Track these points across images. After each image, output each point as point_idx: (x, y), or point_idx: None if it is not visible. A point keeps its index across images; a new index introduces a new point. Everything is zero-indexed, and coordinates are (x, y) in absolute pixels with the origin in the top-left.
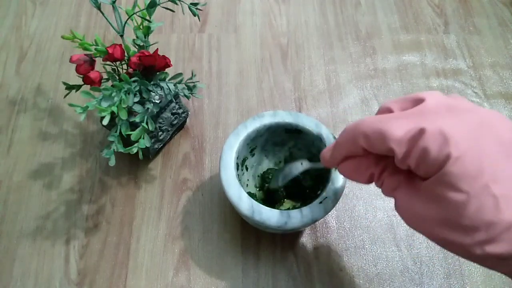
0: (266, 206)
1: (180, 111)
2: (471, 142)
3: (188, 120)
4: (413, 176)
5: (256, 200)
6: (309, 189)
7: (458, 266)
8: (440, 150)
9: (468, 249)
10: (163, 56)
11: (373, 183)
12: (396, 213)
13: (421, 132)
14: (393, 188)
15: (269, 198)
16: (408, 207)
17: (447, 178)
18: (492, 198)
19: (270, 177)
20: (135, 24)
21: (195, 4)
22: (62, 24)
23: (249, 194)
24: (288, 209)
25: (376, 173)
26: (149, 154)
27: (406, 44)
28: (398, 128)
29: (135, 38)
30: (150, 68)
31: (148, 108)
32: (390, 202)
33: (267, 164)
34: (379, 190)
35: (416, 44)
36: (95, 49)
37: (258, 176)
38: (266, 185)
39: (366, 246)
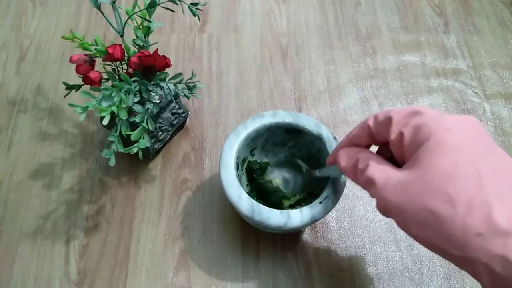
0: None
1: (180, 111)
2: (463, 128)
3: (188, 120)
4: (396, 163)
5: (256, 200)
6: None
7: None
8: (434, 123)
9: (445, 221)
10: (163, 56)
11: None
12: (377, 202)
13: (418, 112)
14: (376, 168)
15: (263, 195)
16: (389, 181)
17: (438, 145)
18: (477, 174)
19: (257, 167)
20: (135, 24)
21: (195, 4)
22: (62, 24)
23: (249, 194)
24: (290, 207)
25: (362, 156)
26: (149, 154)
27: (406, 44)
28: (400, 111)
29: (135, 38)
30: (150, 68)
31: (148, 108)
32: None
33: None
34: None
35: (416, 44)
36: (95, 49)
37: (246, 168)
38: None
39: (366, 246)
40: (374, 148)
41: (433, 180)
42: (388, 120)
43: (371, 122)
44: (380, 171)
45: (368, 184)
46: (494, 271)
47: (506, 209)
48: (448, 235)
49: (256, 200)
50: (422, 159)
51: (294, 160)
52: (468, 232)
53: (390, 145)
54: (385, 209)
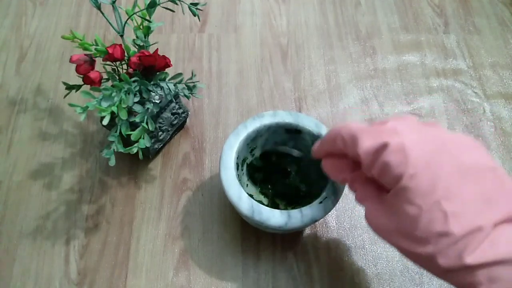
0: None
1: (180, 111)
2: (428, 161)
3: (188, 120)
4: (381, 189)
5: (256, 200)
6: (305, 194)
7: None
8: (398, 166)
9: (422, 259)
10: (163, 56)
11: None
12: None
13: (384, 146)
14: (363, 197)
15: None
16: (374, 217)
17: (403, 192)
18: (442, 213)
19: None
20: (135, 24)
21: (195, 4)
22: (62, 24)
23: (249, 194)
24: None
25: (348, 179)
26: (149, 154)
27: (406, 44)
28: (368, 140)
29: (135, 38)
30: (150, 68)
31: (148, 108)
32: None
33: None
34: None
35: (416, 44)
36: (95, 49)
37: (248, 164)
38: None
39: (366, 246)
40: None
41: (404, 226)
42: (357, 156)
43: (340, 145)
44: (366, 201)
45: (361, 205)
46: None
47: (472, 241)
48: (429, 268)
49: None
50: (394, 203)
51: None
52: (440, 269)
53: None
54: (375, 233)
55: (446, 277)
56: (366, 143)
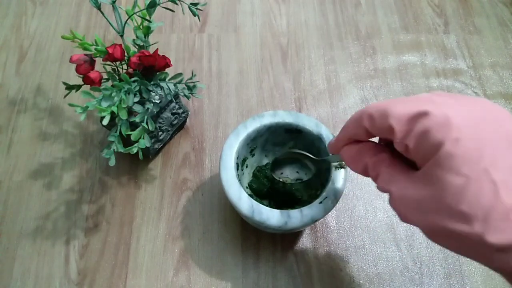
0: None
1: (180, 111)
2: (473, 128)
3: (188, 120)
4: (409, 169)
5: (256, 200)
6: (302, 202)
7: (458, 266)
8: (440, 130)
9: (466, 239)
10: (163, 56)
11: (372, 181)
12: (396, 213)
13: (424, 113)
14: (389, 179)
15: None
16: (404, 197)
17: (447, 160)
18: (491, 183)
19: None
20: (135, 24)
21: (195, 4)
22: (62, 24)
23: (249, 194)
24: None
25: (370, 164)
26: (149, 154)
27: (406, 44)
28: (402, 108)
29: (135, 38)
30: (150, 68)
31: (148, 108)
32: None
33: None
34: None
35: (416, 44)
36: (95, 49)
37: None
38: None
39: (366, 246)
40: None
41: (447, 199)
42: (389, 128)
43: (367, 124)
44: (393, 183)
45: (384, 192)
46: None
47: None
48: (471, 250)
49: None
50: (433, 175)
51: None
52: (489, 249)
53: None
54: (404, 220)
55: (492, 259)
56: (400, 111)
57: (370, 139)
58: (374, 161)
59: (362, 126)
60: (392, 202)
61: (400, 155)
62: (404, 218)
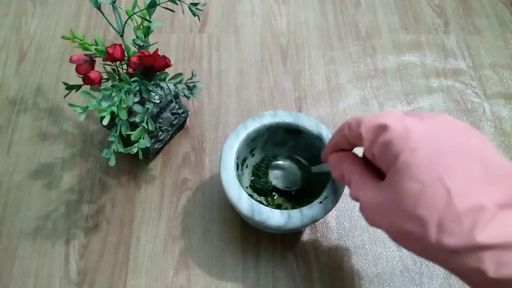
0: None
1: (180, 111)
2: (431, 140)
3: (188, 120)
4: (378, 179)
5: (254, 198)
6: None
7: None
8: (399, 141)
9: (424, 241)
10: (163, 56)
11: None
12: (364, 218)
13: (386, 126)
14: (359, 187)
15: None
16: (370, 203)
17: (404, 168)
18: (445, 190)
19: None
20: (135, 24)
21: (195, 4)
22: (62, 24)
23: (249, 194)
24: (280, 207)
25: (346, 171)
26: (149, 154)
27: (406, 44)
28: (372, 119)
29: (135, 38)
30: (150, 68)
31: (148, 108)
32: None
33: None
34: None
35: (416, 44)
36: (95, 49)
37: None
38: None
39: (366, 246)
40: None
41: (405, 204)
42: (359, 136)
43: (346, 131)
44: (362, 190)
45: (354, 199)
46: (472, 282)
47: (479, 220)
48: (428, 252)
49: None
50: (393, 182)
51: (294, 156)
52: (442, 251)
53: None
54: (371, 224)
55: (447, 261)
56: (369, 121)
57: (353, 149)
58: (349, 170)
59: (343, 135)
60: (361, 208)
61: (374, 166)
62: (370, 222)
